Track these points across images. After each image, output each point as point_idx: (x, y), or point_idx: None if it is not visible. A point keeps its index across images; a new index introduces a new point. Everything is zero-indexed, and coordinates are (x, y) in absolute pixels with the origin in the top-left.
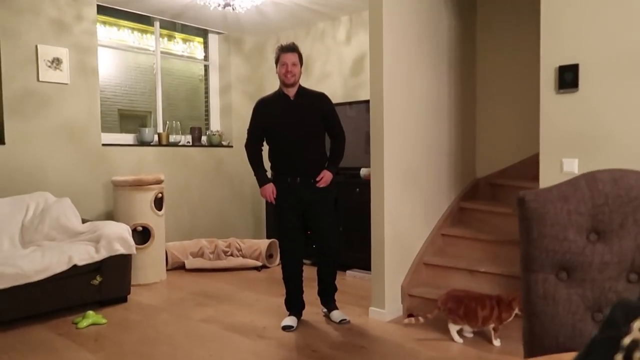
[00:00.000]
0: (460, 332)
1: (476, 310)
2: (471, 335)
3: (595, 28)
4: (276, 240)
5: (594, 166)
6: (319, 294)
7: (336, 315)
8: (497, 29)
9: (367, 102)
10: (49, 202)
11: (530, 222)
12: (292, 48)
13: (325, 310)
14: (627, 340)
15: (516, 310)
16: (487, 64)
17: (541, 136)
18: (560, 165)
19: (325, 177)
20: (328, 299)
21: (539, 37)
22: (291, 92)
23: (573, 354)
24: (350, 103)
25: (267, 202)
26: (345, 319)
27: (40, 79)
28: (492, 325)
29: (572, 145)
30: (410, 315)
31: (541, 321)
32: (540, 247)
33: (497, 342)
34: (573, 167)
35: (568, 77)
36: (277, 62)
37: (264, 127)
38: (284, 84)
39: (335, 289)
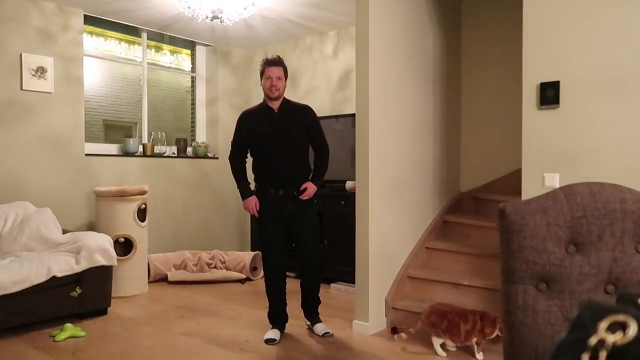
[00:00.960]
0: (443, 346)
1: (459, 325)
2: (454, 349)
3: (577, 46)
4: (260, 253)
5: (575, 181)
6: (303, 306)
7: (319, 328)
8: (481, 45)
9: (353, 115)
10: (29, 212)
11: (510, 234)
12: (277, 62)
13: (308, 323)
14: (593, 340)
15: (498, 330)
16: (472, 79)
17: (523, 151)
18: (542, 180)
19: (309, 190)
20: (311, 311)
21: (522, 54)
22: (275, 104)
23: None
24: (336, 116)
25: (251, 214)
26: (328, 332)
27: (24, 88)
28: (474, 340)
29: (553, 160)
30: (394, 329)
31: (521, 332)
32: (520, 259)
33: (479, 356)
34: (554, 181)
35: (549, 94)
36: (262, 75)
37: (247, 140)
38: (268, 97)
39: (319, 302)
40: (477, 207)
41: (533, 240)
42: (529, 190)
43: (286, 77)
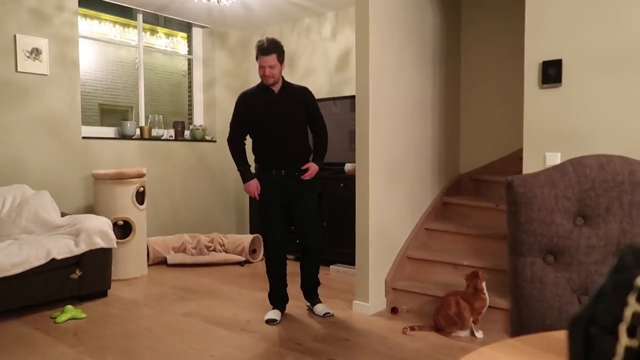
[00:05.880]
0: (472, 333)
1: (447, 314)
2: (465, 335)
3: (579, 23)
4: (259, 236)
5: None
6: (302, 287)
7: (320, 308)
8: (481, 25)
9: (352, 97)
10: (27, 194)
11: (517, 207)
12: (269, 50)
13: (308, 304)
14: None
15: (482, 288)
16: (472, 60)
17: (525, 131)
18: (543, 160)
19: (311, 169)
20: (311, 293)
21: (524, 32)
22: (276, 87)
23: (561, 332)
24: (334, 99)
25: (250, 197)
26: (329, 313)
27: (19, 69)
28: (471, 319)
29: (555, 139)
30: (394, 309)
31: (528, 304)
32: (527, 231)
33: (479, 334)
34: (556, 160)
35: (551, 72)
36: (257, 60)
37: (247, 121)
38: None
39: (319, 283)
40: (476, 188)
41: (541, 212)
42: (530, 169)
43: (282, 60)
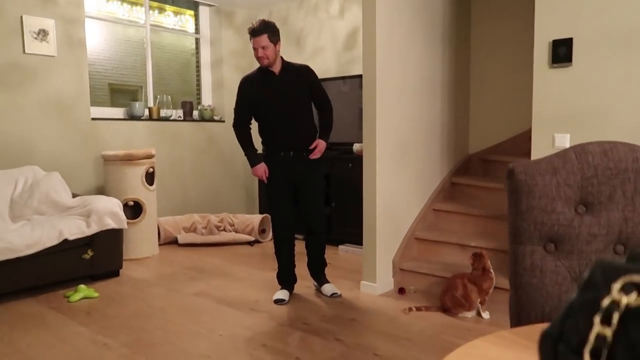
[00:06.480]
0: (479, 314)
1: (454, 295)
2: (471, 315)
3: (591, 1)
4: (269, 216)
5: (586, 141)
6: (309, 267)
7: (327, 288)
8: (491, 3)
9: (361, 76)
10: (38, 176)
11: (519, 194)
12: (259, 31)
13: (316, 284)
14: (606, 302)
15: (489, 268)
16: (482, 36)
17: (534, 111)
18: (552, 141)
19: (320, 147)
20: (318, 273)
21: (534, 11)
22: (276, 68)
23: None
24: (343, 78)
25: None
26: (336, 293)
27: (27, 51)
28: (478, 300)
29: (564, 120)
30: (401, 289)
31: (527, 293)
32: (528, 220)
33: (485, 315)
34: (565, 142)
35: (562, 52)
36: (251, 43)
37: (251, 105)
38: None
39: (325, 264)
40: (485, 169)
41: (542, 200)
42: (539, 151)
43: (276, 40)
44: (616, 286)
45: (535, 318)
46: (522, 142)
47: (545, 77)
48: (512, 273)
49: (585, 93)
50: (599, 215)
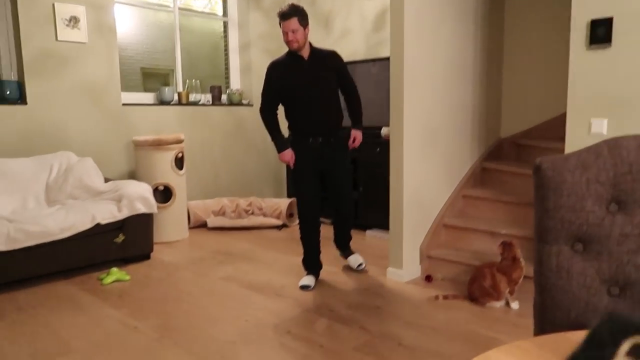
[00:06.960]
0: (508, 303)
1: (482, 285)
2: (500, 305)
3: None
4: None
5: (624, 128)
6: (335, 242)
7: (353, 260)
8: None
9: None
10: (72, 161)
11: (546, 192)
12: (289, 14)
13: (342, 255)
14: None
15: (520, 257)
16: (515, 18)
17: (569, 95)
18: (588, 126)
19: (357, 138)
20: (344, 244)
21: None
22: (305, 53)
23: (582, 333)
24: (372, 60)
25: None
26: (362, 264)
27: (59, 38)
28: (507, 290)
29: (601, 104)
30: (428, 277)
31: (553, 295)
32: (555, 218)
33: (514, 305)
34: (602, 128)
35: (600, 32)
36: (280, 27)
37: (279, 90)
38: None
39: (350, 237)
40: (518, 153)
41: (570, 198)
42: (574, 136)
43: (305, 24)
44: (624, 348)
45: (560, 323)
46: (556, 126)
47: (582, 59)
48: (536, 274)
49: (625, 76)
50: (633, 214)
